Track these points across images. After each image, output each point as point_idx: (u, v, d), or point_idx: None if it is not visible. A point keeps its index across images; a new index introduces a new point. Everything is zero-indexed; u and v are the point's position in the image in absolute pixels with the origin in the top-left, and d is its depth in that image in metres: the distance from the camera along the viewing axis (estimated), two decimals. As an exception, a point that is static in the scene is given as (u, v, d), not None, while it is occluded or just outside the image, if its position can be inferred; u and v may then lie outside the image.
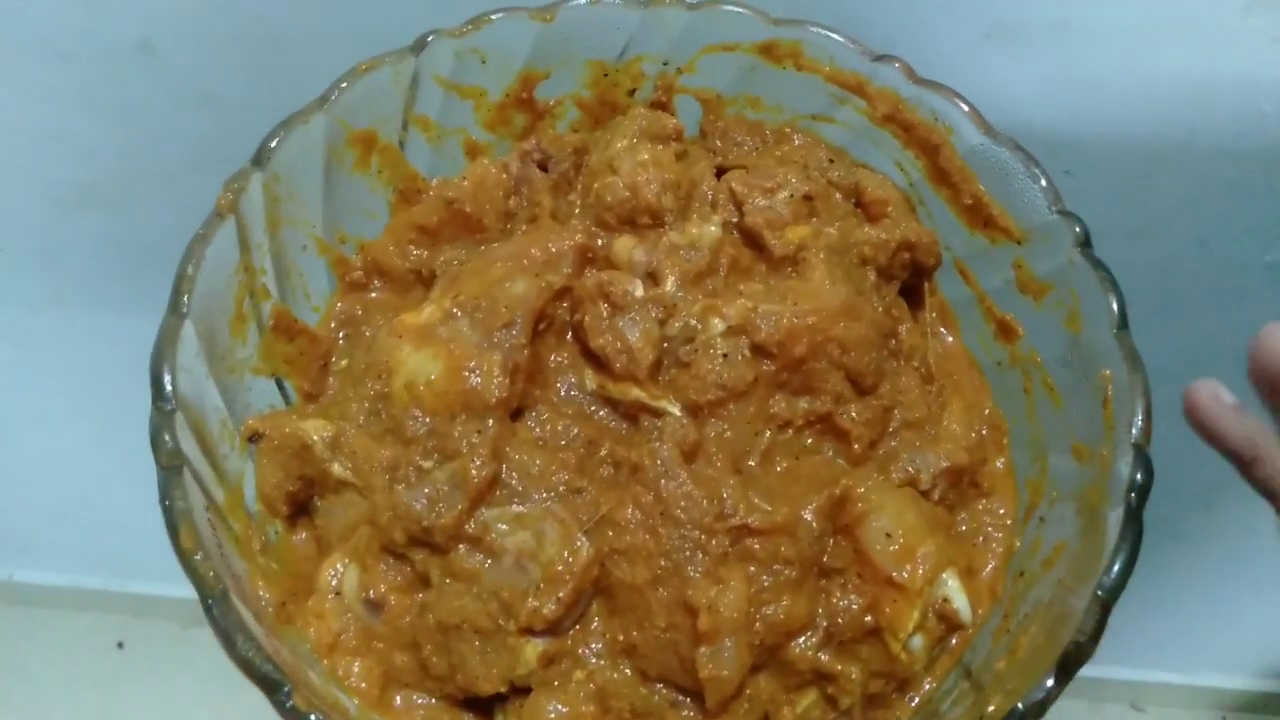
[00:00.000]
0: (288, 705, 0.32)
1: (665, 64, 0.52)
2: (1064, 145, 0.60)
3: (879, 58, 0.49)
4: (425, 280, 0.49)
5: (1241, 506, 0.72)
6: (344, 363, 0.49)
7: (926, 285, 0.50)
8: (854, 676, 0.39)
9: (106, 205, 0.72)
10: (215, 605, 0.33)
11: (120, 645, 0.78)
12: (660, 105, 0.53)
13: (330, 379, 0.48)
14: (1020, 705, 0.34)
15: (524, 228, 0.49)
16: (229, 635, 0.33)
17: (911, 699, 0.42)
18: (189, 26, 0.62)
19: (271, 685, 0.32)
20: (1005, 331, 0.48)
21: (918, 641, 0.40)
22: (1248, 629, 0.83)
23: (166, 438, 0.36)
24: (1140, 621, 0.74)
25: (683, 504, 0.39)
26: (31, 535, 0.86)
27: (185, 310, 0.39)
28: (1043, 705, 0.34)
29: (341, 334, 0.49)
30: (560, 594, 0.38)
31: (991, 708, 0.36)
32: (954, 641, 0.42)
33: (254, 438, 0.43)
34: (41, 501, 0.87)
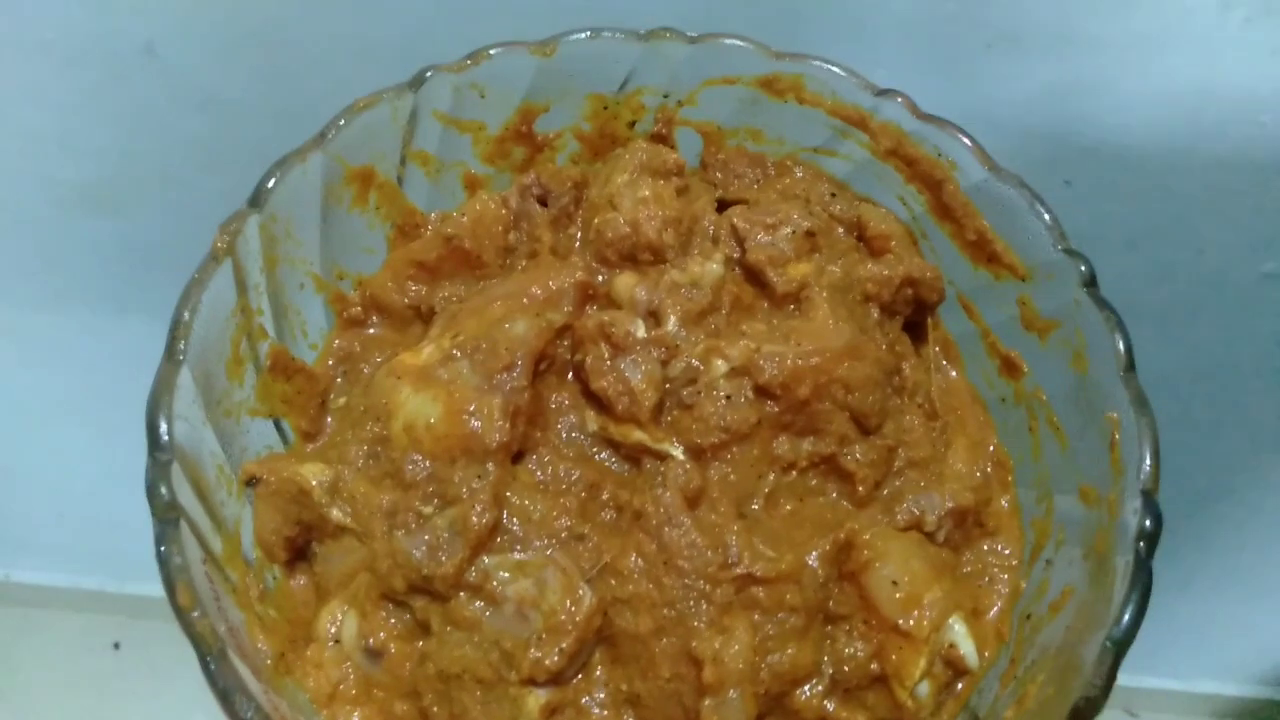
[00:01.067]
0: (288, 768, 0.31)
1: (666, 96, 0.52)
2: (1063, 155, 0.60)
3: (881, 92, 0.48)
4: (424, 316, 0.49)
5: (1236, 516, 0.73)
6: (342, 400, 0.48)
7: (929, 320, 0.50)
8: (860, 725, 0.39)
9: (108, 207, 0.72)
10: (214, 663, 0.33)
11: (116, 646, 0.78)
12: (660, 138, 0.53)
13: (328, 417, 0.48)
14: (1031, 762, 0.33)
15: (524, 263, 0.48)
16: (228, 696, 0.32)
17: (918, 745, 0.41)
18: (193, 30, 0.62)
19: (271, 748, 0.32)
20: (1009, 368, 0.48)
21: (924, 688, 0.40)
22: (1241, 636, 0.84)
23: (163, 490, 0.36)
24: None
25: (686, 553, 0.38)
26: (30, 535, 0.86)
27: (182, 356, 0.39)
28: (1053, 762, 0.33)
29: (340, 371, 0.49)
30: (563, 644, 0.37)
31: (1001, 761, 0.35)
32: (960, 686, 0.42)
33: (251, 482, 0.42)
34: (40, 502, 0.86)
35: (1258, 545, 0.75)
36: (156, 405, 0.37)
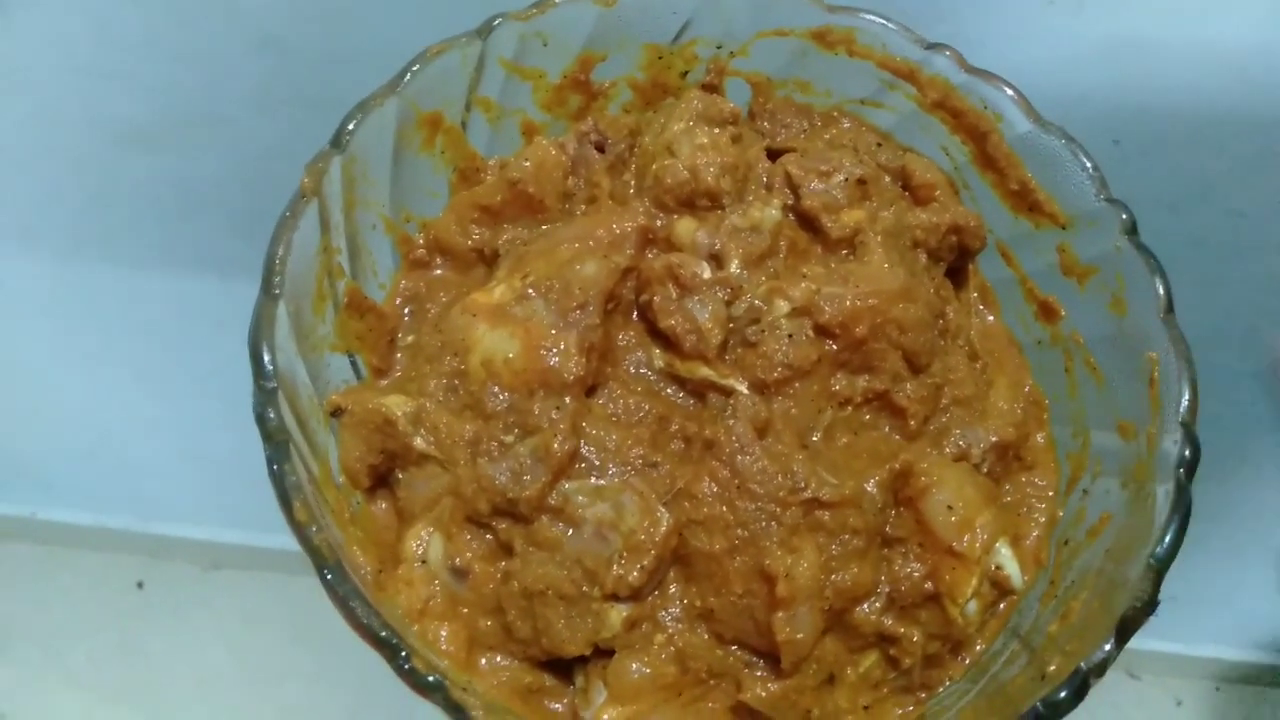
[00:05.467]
0: (406, 667, 0.34)
1: (719, 47, 0.53)
2: (1115, 113, 0.61)
3: (931, 45, 0.50)
4: (487, 259, 0.51)
5: (1242, 480, 0.75)
6: (410, 339, 0.50)
7: (970, 267, 0.52)
8: (915, 639, 0.42)
9: (156, 145, 0.73)
10: (332, 574, 0.35)
11: (140, 585, 0.79)
12: (711, 87, 0.55)
13: (397, 355, 0.50)
14: (1083, 665, 0.36)
15: (583, 208, 0.50)
16: (348, 603, 0.34)
17: (963, 659, 0.44)
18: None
19: (391, 650, 0.34)
20: (1047, 312, 0.50)
21: (973, 606, 0.43)
22: (1244, 601, 0.86)
23: (271, 414, 0.38)
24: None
25: (758, 478, 0.41)
26: (55, 474, 0.86)
27: (278, 291, 0.41)
28: (1103, 666, 0.36)
29: (407, 311, 0.51)
30: (644, 562, 0.40)
31: (1052, 668, 0.38)
32: (1002, 606, 0.45)
33: (336, 413, 0.44)
34: (66, 441, 0.87)
35: (1266, 511, 0.78)
36: (259, 337, 0.39)
